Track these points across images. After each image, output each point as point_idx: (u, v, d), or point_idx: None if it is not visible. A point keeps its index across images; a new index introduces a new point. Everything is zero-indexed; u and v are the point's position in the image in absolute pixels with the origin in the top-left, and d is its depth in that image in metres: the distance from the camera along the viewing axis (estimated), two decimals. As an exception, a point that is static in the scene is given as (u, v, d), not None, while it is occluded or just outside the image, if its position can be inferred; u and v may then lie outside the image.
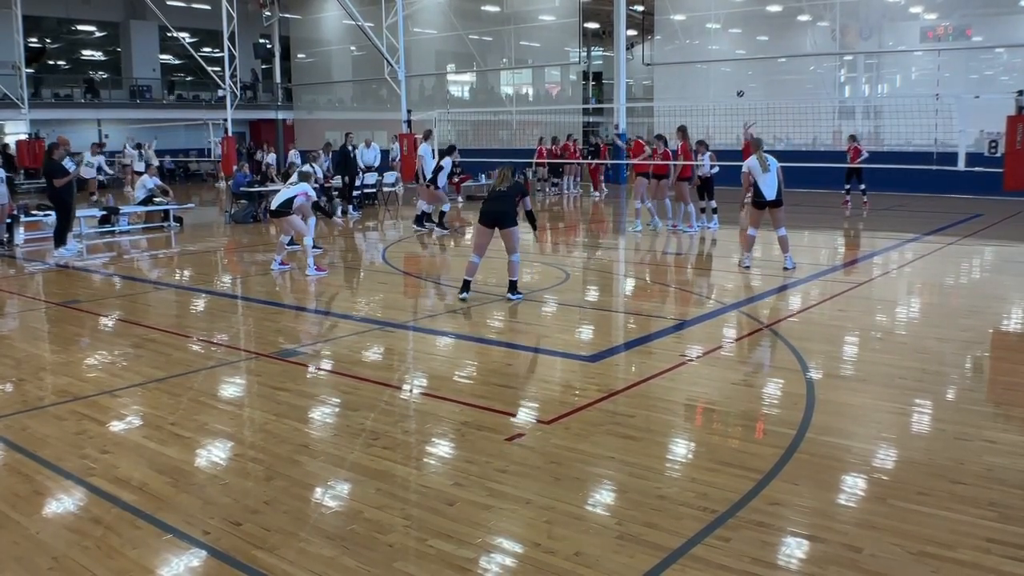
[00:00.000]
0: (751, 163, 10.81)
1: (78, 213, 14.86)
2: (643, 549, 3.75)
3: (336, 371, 6.87)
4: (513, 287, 9.32)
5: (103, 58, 39.20)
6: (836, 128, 25.58)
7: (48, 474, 4.72)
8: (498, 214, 9.17)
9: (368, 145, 20.47)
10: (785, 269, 10.77)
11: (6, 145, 27.72)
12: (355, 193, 19.35)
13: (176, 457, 4.92)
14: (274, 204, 11.38)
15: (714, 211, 15.46)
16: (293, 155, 22.26)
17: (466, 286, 9.32)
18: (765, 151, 10.86)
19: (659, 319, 8.64)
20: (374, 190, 20.87)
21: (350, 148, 19.09)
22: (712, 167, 15.31)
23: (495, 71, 34.85)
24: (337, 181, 19.10)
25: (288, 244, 11.83)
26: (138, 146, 24.04)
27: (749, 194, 11.24)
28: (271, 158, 26.44)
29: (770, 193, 10.65)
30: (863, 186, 18.40)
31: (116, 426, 5.50)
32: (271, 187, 18.52)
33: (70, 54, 38.42)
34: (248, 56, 35.20)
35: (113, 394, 6.15)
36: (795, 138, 23.60)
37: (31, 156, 25.53)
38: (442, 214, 15.65)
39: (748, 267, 10.95)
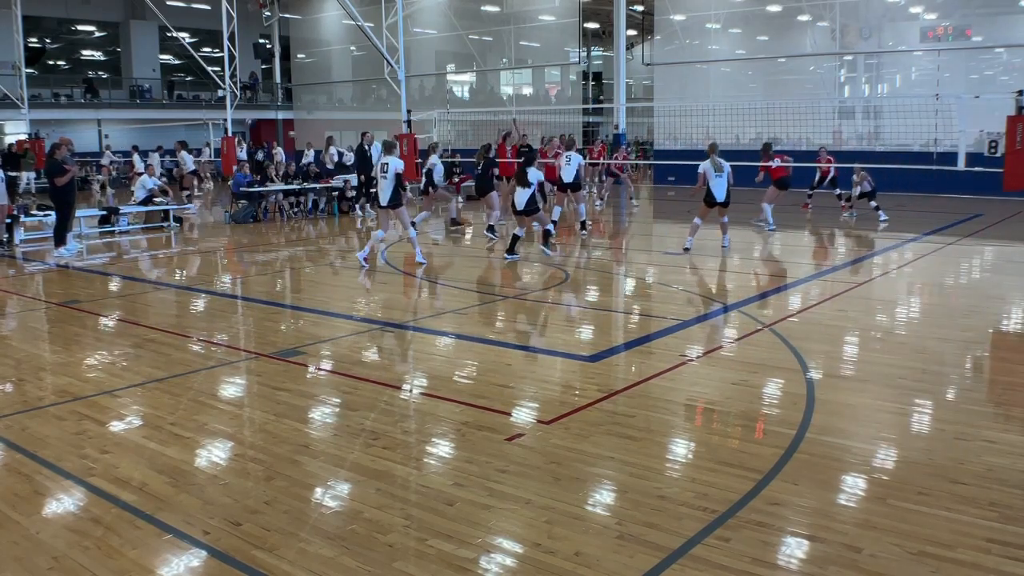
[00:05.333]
0: (705, 166, 12.35)
1: (78, 213, 14.86)
2: (643, 549, 3.75)
3: (336, 371, 6.87)
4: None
5: (103, 58, 39.20)
6: (836, 128, 25.57)
7: (48, 474, 4.72)
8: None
9: (371, 144, 20.45)
10: (723, 247, 12.64)
11: (10, 145, 27.71)
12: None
13: (176, 457, 4.92)
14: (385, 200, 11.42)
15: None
16: (280, 154, 22.27)
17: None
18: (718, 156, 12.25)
19: (659, 319, 8.64)
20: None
21: (367, 147, 19.10)
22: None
23: (495, 71, 34.85)
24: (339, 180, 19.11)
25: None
26: (134, 149, 24.15)
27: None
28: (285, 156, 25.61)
29: (720, 195, 12.36)
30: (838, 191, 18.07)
31: (116, 426, 5.50)
32: (271, 187, 18.51)
33: (70, 54, 38.42)
34: (248, 56, 35.19)
35: (113, 394, 6.15)
36: (795, 138, 23.61)
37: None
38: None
39: (688, 249, 12.41)
